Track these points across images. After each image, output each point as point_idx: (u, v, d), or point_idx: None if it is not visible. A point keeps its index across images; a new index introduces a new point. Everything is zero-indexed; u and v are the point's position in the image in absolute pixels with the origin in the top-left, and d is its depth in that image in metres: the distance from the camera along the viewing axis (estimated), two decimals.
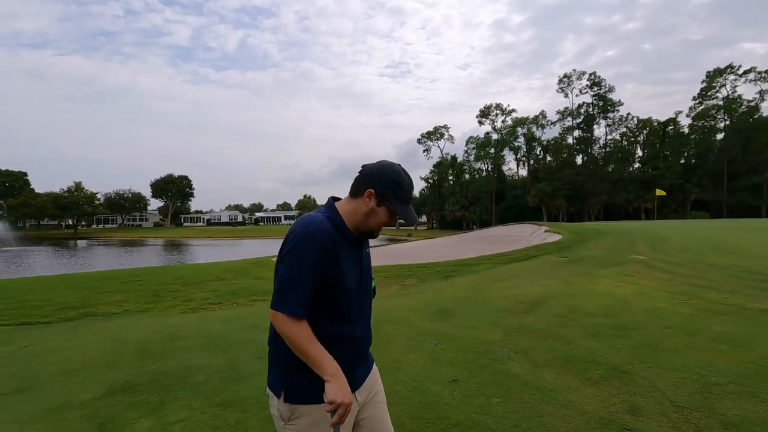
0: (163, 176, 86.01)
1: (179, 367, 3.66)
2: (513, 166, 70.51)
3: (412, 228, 56.11)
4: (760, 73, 50.40)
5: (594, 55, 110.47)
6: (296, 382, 1.24)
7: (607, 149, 61.16)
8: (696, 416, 2.49)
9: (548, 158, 64.44)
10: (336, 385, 1.15)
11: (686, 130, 58.10)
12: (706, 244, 10.71)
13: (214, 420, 2.67)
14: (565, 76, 61.18)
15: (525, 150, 65.35)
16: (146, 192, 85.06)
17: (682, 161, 57.26)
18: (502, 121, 65.56)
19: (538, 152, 65.76)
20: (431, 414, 2.66)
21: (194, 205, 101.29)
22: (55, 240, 54.55)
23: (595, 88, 59.00)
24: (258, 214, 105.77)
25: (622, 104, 58.93)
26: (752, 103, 51.71)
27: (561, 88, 61.93)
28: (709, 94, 54.73)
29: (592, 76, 58.98)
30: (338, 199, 1.39)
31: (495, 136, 64.94)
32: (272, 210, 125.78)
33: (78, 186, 70.10)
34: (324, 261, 1.20)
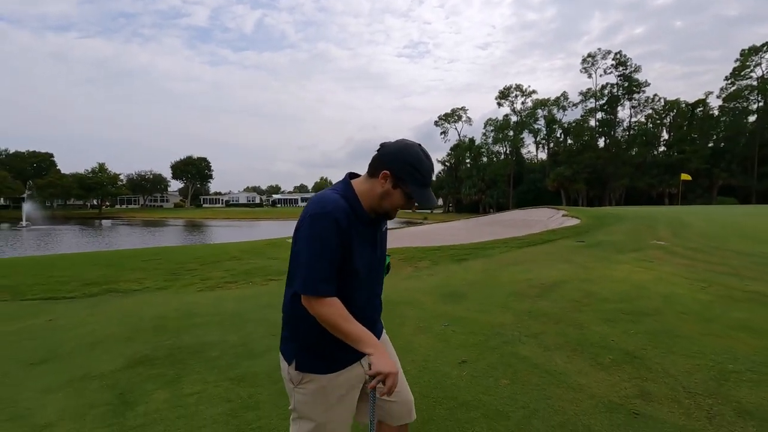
0: (182, 158, 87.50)
1: (195, 342, 3.77)
2: (532, 149, 69.08)
3: (428, 211, 55.91)
4: None
5: (621, 33, 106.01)
6: (307, 356, 1.31)
7: (631, 132, 59.18)
8: (709, 402, 2.44)
9: (569, 141, 62.82)
10: (379, 357, 1.17)
11: (716, 112, 55.67)
12: (731, 230, 10.38)
13: (227, 393, 2.76)
14: (589, 55, 58.94)
15: (545, 132, 63.83)
16: (167, 173, 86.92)
17: (711, 145, 54.97)
18: (522, 103, 63.97)
19: (558, 135, 64.14)
20: (439, 393, 2.68)
21: (213, 186, 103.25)
22: (81, 219, 56.41)
23: (621, 68, 56.75)
24: (275, 196, 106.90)
25: (649, 85, 56.65)
26: None
27: (584, 68, 59.78)
28: (742, 73, 52.06)
29: (618, 56, 56.69)
30: (356, 175, 1.36)
31: (514, 118, 63.51)
32: (289, 192, 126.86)
33: (102, 167, 71.82)
34: (339, 240, 1.20)
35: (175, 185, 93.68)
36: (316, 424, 1.32)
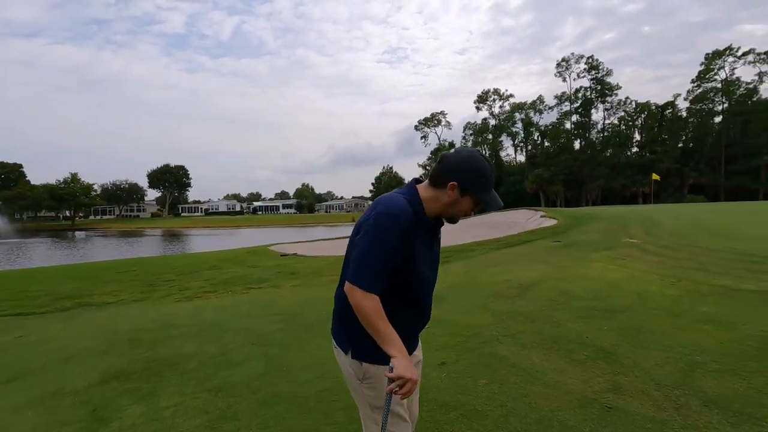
0: (159, 166, 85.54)
1: (172, 354, 3.70)
2: (511, 152, 70.61)
3: None
4: (759, 54, 50.07)
5: (593, 38, 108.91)
6: (363, 344, 1.32)
7: (605, 134, 61.07)
8: (676, 393, 2.54)
9: (546, 143, 64.31)
10: (403, 361, 1.18)
11: (684, 114, 57.92)
12: (700, 228, 10.78)
13: (205, 405, 2.72)
14: (563, 59, 60.86)
15: (523, 135, 65.27)
16: (143, 182, 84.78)
17: (680, 145, 57.21)
18: (500, 107, 65.42)
19: (535, 138, 65.67)
20: (419, 396, 2.70)
21: (192, 195, 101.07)
22: (52, 231, 54.43)
23: (593, 72, 58.68)
24: (256, 203, 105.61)
25: (620, 88, 58.78)
26: (751, 86, 51.62)
27: (559, 72, 61.62)
28: (707, 76, 54.44)
29: (590, 60, 58.59)
30: (420, 181, 1.41)
31: (493, 122, 64.87)
32: (270, 199, 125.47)
33: (74, 177, 69.61)
34: (402, 244, 1.24)
35: (152, 194, 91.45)
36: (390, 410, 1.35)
